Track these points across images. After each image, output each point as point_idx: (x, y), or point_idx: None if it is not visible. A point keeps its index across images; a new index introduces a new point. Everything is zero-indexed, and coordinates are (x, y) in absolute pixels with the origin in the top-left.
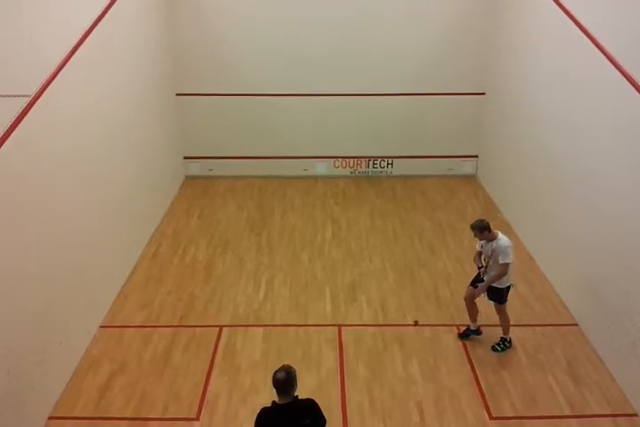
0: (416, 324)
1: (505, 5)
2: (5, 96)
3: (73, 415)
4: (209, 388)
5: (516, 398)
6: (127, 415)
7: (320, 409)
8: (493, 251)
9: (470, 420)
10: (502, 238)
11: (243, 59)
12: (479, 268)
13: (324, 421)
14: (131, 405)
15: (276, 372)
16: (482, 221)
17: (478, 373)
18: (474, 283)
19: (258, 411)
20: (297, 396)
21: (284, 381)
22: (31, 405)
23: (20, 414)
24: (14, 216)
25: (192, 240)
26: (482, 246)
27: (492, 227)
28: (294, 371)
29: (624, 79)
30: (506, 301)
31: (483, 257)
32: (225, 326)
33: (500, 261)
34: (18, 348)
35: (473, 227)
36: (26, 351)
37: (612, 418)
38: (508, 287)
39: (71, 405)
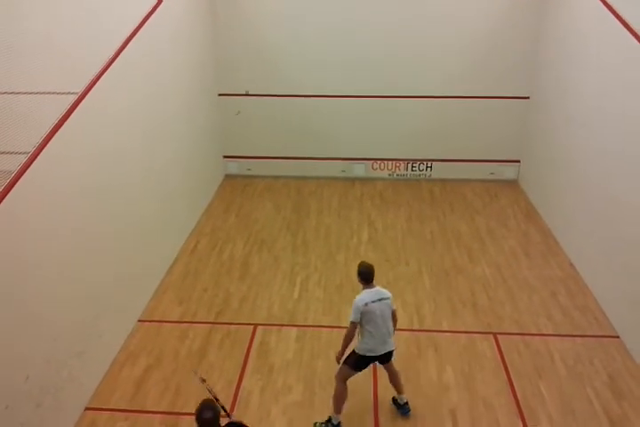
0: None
1: (554, 4)
2: (53, 93)
3: (109, 407)
4: (242, 385)
5: (552, 410)
6: (161, 409)
7: None
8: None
9: None
10: (363, 292)
11: (284, 60)
12: None
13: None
14: (165, 399)
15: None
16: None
17: (514, 382)
18: None
19: (289, 409)
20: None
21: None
22: (69, 395)
23: (58, 403)
24: (59, 212)
25: (229, 238)
26: None
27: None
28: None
29: None
30: (348, 366)
31: None
32: (259, 324)
33: (351, 319)
34: (60, 339)
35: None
36: (67, 342)
37: None
38: (363, 357)
39: (107, 396)
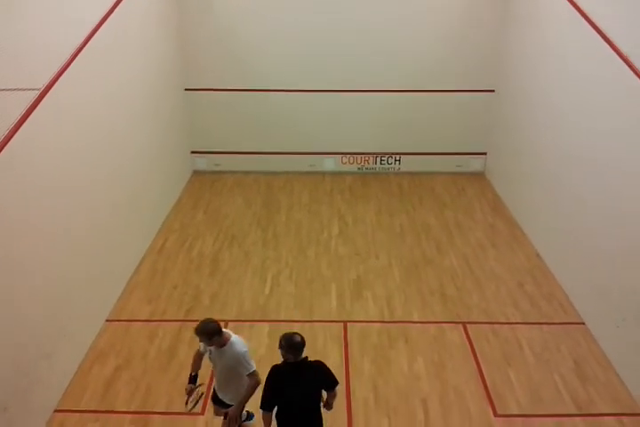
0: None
1: (516, 1)
2: (14, 90)
3: (78, 409)
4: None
5: (521, 396)
6: (132, 409)
7: (329, 370)
8: (227, 359)
9: (475, 417)
10: (236, 342)
11: (251, 54)
12: (192, 375)
13: (335, 381)
14: (136, 399)
15: (292, 335)
16: (209, 323)
17: (484, 370)
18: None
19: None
20: (306, 357)
21: (301, 342)
22: (37, 398)
23: (27, 406)
24: (22, 211)
25: (199, 235)
26: (210, 352)
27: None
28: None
29: (636, 78)
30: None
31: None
32: (231, 320)
33: (245, 373)
34: (25, 342)
35: (199, 332)
36: (33, 345)
37: (617, 417)
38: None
39: (77, 398)
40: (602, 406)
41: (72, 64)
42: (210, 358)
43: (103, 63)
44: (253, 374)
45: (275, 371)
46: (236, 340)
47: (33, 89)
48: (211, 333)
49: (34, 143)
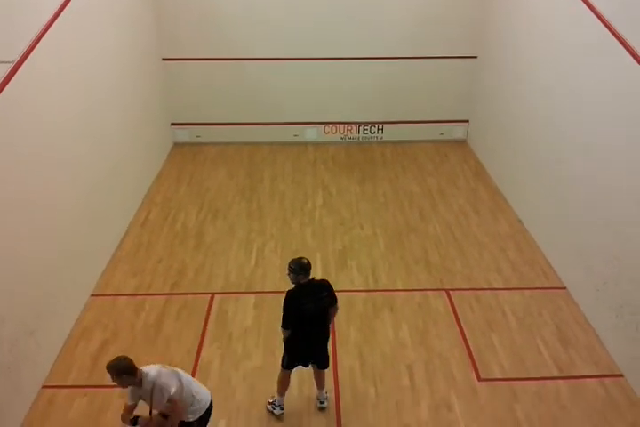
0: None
1: None
2: None
3: (66, 384)
4: (201, 355)
5: (504, 361)
6: None
7: (332, 287)
8: (153, 393)
9: (459, 382)
10: (149, 374)
11: (230, 22)
12: (131, 419)
13: (336, 298)
14: None
15: (300, 259)
16: (121, 360)
17: (467, 336)
18: None
19: (249, 374)
20: (313, 278)
21: (308, 264)
22: (25, 374)
23: (14, 383)
24: (2, 185)
25: (182, 207)
26: (139, 396)
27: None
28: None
29: (619, 44)
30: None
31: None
32: (216, 293)
33: (166, 402)
34: (9, 318)
35: (110, 369)
36: (18, 321)
37: (598, 379)
38: (202, 419)
39: (64, 373)
40: (583, 368)
41: (45, 35)
42: (145, 401)
43: (78, 34)
44: (171, 404)
45: (290, 294)
46: (148, 369)
47: (6, 62)
48: (119, 371)
49: (10, 117)
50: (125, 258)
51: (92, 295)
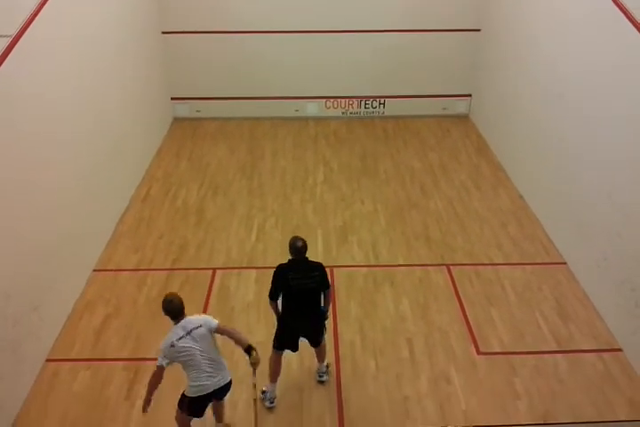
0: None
1: None
2: None
3: (70, 358)
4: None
5: (503, 335)
6: (123, 356)
7: (326, 272)
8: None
9: (459, 355)
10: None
11: None
12: None
13: (329, 283)
14: (126, 346)
15: (296, 240)
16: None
17: (467, 310)
18: None
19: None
20: (307, 257)
21: (302, 247)
22: (28, 348)
23: (18, 357)
24: (2, 163)
25: (182, 183)
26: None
27: None
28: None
29: (623, 16)
30: (183, 411)
31: None
32: (218, 268)
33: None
34: (13, 293)
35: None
36: (21, 296)
37: (597, 353)
38: (195, 398)
39: (68, 347)
40: (582, 342)
41: (43, 9)
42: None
43: (76, 7)
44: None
45: (280, 266)
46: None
47: (4, 36)
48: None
49: (8, 93)
50: (127, 233)
51: (95, 270)
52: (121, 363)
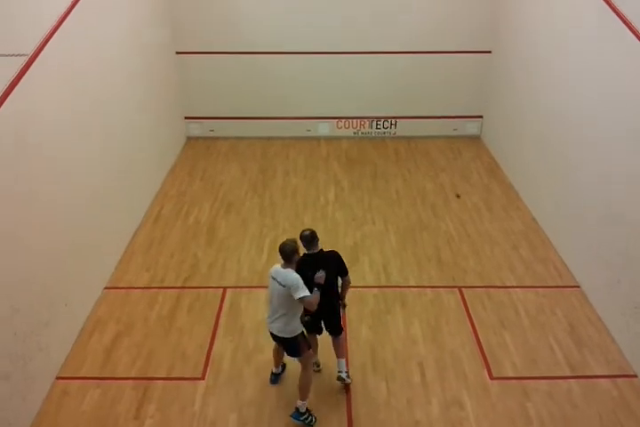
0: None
1: None
2: (2, 55)
3: (80, 375)
4: (214, 348)
5: (516, 359)
6: (133, 375)
7: (342, 259)
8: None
9: (471, 380)
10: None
11: (244, 15)
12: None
13: (346, 270)
14: (136, 365)
15: (303, 231)
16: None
17: (479, 334)
18: None
19: (262, 368)
20: (322, 249)
21: (309, 235)
22: (38, 365)
23: (28, 374)
24: (17, 178)
25: (195, 202)
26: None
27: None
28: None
29: (635, 39)
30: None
31: None
32: (229, 287)
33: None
34: (24, 309)
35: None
36: (32, 312)
37: (611, 379)
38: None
39: (78, 365)
40: (596, 368)
41: (59, 29)
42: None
43: (92, 28)
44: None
45: (296, 264)
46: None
47: (20, 55)
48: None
49: (24, 110)
50: (139, 251)
51: (106, 288)
52: (131, 382)
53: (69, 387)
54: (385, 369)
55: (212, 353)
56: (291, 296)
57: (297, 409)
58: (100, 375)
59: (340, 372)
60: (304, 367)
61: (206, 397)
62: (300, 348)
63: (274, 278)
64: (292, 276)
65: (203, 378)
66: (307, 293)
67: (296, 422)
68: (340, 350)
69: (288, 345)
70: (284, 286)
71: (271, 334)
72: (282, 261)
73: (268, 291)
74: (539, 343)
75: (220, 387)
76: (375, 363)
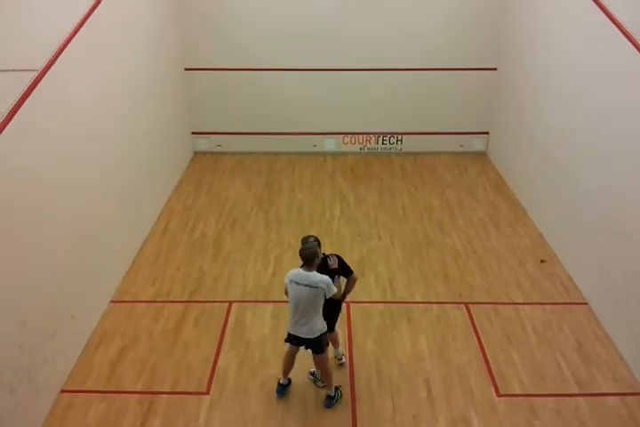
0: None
1: None
2: (11, 71)
3: (85, 389)
4: (219, 362)
5: (524, 376)
6: (138, 389)
7: (344, 261)
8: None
9: (478, 397)
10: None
11: (250, 33)
12: None
13: (350, 271)
14: (141, 379)
15: (305, 239)
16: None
17: (486, 350)
18: None
19: (267, 383)
20: (323, 253)
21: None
22: (44, 378)
23: (33, 387)
24: (27, 192)
25: (201, 216)
26: None
27: None
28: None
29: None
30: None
31: None
32: (234, 301)
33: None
34: (29, 322)
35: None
36: (37, 325)
37: (620, 397)
38: (288, 332)
39: (83, 378)
40: (604, 385)
41: (69, 45)
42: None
43: (101, 44)
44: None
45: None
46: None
47: (30, 70)
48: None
49: (33, 126)
50: (145, 265)
51: (112, 301)
52: (136, 396)
53: (74, 400)
54: (390, 385)
55: (217, 367)
56: (318, 296)
57: (327, 396)
58: (105, 389)
59: (339, 360)
60: (324, 364)
61: (211, 411)
62: (324, 344)
63: (297, 283)
64: (322, 276)
65: (207, 393)
66: (335, 287)
67: (332, 408)
68: (336, 341)
69: (315, 344)
70: (315, 288)
71: (293, 338)
72: (301, 265)
73: (290, 298)
74: (546, 360)
75: (225, 401)
76: (381, 378)
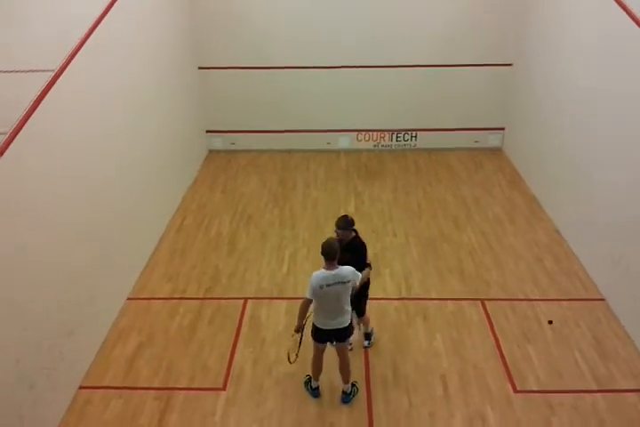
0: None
1: None
2: (29, 71)
3: (102, 385)
4: (234, 359)
5: (540, 372)
6: (155, 385)
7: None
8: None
9: (494, 393)
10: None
11: (264, 31)
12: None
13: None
14: (158, 375)
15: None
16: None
17: (503, 347)
18: None
19: (282, 380)
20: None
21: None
22: (62, 375)
23: (52, 384)
24: (42, 189)
25: (216, 214)
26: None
27: None
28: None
29: None
30: (312, 338)
31: None
32: (249, 298)
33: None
34: (47, 320)
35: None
36: (55, 323)
37: (638, 393)
38: (318, 329)
39: (100, 375)
40: (622, 381)
41: (85, 45)
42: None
43: (117, 43)
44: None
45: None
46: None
47: (46, 71)
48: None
49: (49, 125)
50: (161, 263)
51: (129, 299)
52: (152, 392)
53: (92, 396)
54: (407, 382)
55: (232, 364)
56: (349, 289)
57: (343, 392)
58: (123, 385)
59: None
60: (347, 354)
61: (227, 408)
62: (351, 331)
63: (329, 285)
64: (347, 268)
65: (224, 389)
66: (359, 273)
67: (348, 404)
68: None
69: (344, 333)
70: (346, 282)
71: (322, 334)
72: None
73: (321, 300)
74: (563, 356)
75: (241, 398)
76: (397, 376)
